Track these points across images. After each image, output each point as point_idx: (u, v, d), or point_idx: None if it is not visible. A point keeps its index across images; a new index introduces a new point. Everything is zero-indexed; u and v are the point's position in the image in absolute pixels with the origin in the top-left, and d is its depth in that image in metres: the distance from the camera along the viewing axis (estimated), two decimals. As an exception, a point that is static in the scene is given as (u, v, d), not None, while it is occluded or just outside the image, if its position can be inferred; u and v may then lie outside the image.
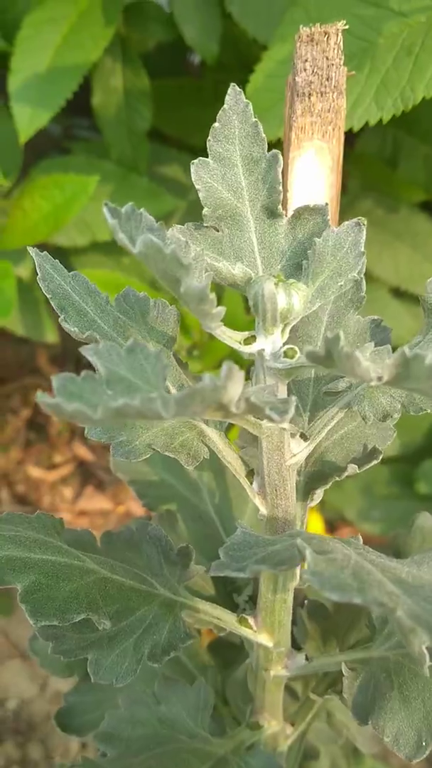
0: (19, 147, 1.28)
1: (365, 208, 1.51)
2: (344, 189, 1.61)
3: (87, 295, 0.58)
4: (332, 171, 0.73)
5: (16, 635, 1.57)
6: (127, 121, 1.36)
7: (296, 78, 0.68)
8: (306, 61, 0.68)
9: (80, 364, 1.97)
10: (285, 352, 0.54)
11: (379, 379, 0.44)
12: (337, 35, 0.68)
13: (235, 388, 0.42)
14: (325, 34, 0.68)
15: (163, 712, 0.68)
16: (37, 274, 0.57)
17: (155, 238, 0.43)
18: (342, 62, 0.68)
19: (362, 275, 0.64)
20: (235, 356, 0.60)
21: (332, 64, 0.68)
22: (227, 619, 0.68)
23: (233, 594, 0.78)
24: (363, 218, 0.54)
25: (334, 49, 0.68)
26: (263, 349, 0.54)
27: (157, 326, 0.60)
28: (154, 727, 0.67)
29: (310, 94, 0.68)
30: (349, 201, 1.53)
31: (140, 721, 0.67)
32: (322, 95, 0.68)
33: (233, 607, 0.73)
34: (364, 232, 0.55)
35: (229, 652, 0.85)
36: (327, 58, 0.68)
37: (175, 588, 0.67)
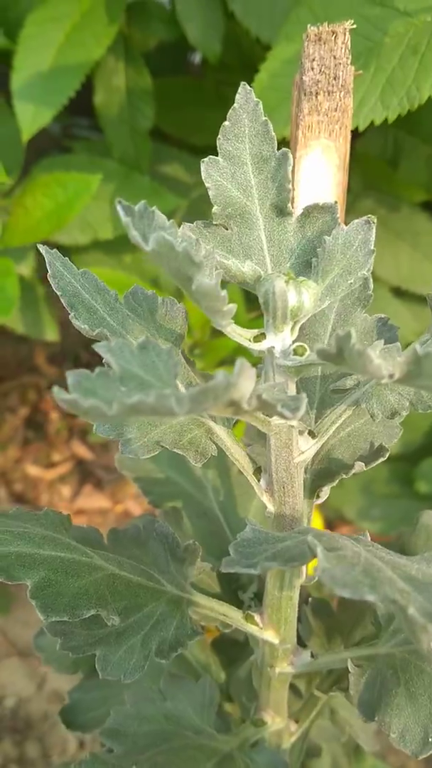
0: (21, 145, 1.28)
1: (367, 207, 1.51)
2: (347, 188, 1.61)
3: (96, 293, 0.58)
4: (339, 169, 0.73)
5: (13, 634, 1.57)
6: (129, 120, 1.37)
7: (304, 77, 0.68)
8: (314, 60, 0.68)
9: (78, 363, 1.97)
10: (295, 350, 0.54)
11: (391, 376, 0.44)
12: (345, 34, 0.68)
13: (247, 385, 0.42)
14: (333, 33, 0.68)
15: (169, 709, 0.69)
16: (47, 272, 0.57)
17: (168, 236, 0.43)
18: (349, 61, 0.69)
19: (370, 273, 0.64)
20: (239, 354, 0.60)
21: (340, 64, 0.68)
22: (233, 616, 0.69)
23: (238, 591, 0.78)
24: (373, 216, 0.54)
25: (341, 48, 0.68)
26: (273, 347, 0.54)
27: (166, 324, 0.60)
28: (160, 724, 0.67)
29: (317, 93, 0.69)
30: (350, 200, 1.52)
31: (146, 717, 0.67)
32: (329, 94, 0.69)
33: (238, 605, 0.73)
34: (374, 231, 0.55)
35: (233, 649, 0.85)
36: (334, 58, 0.68)
37: (182, 585, 0.67)
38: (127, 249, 1.50)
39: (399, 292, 1.52)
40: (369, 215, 0.54)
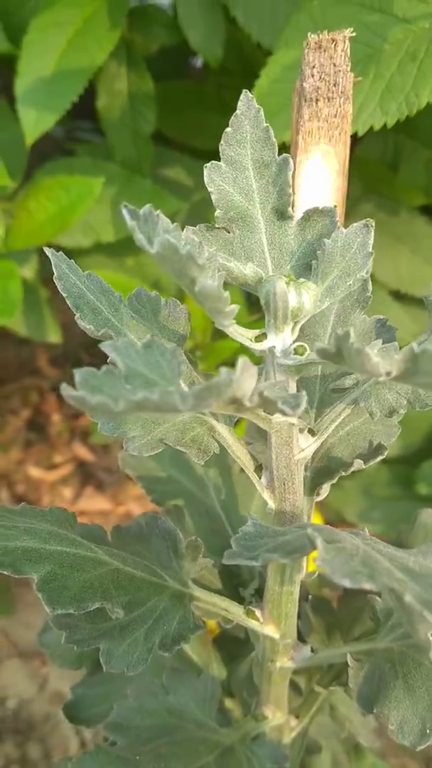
0: (24, 149, 1.30)
1: (366, 211, 1.52)
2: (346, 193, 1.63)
3: (101, 294, 0.59)
4: (339, 174, 0.74)
5: (15, 635, 1.58)
6: (131, 124, 1.38)
7: (304, 84, 0.70)
8: (314, 67, 0.70)
9: (80, 365, 1.97)
10: (295, 350, 0.55)
11: (388, 374, 0.46)
12: (345, 42, 0.69)
13: (249, 382, 0.44)
14: (333, 41, 0.69)
15: (172, 703, 0.70)
16: (50, 274, 0.58)
17: (172, 239, 0.44)
18: (349, 68, 0.70)
19: (369, 275, 0.65)
20: (240, 356, 0.61)
21: (339, 71, 0.70)
22: (235, 611, 0.70)
23: (239, 588, 0.79)
24: (371, 220, 0.56)
25: (341, 55, 0.70)
26: (274, 346, 0.55)
27: (169, 325, 0.61)
28: (162, 717, 0.68)
29: (317, 100, 0.70)
30: (350, 204, 1.54)
31: (149, 711, 0.69)
32: (329, 101, 0.70)
33: (239, 601, 0.75)
34: (372, 234, 0.56)
35: (234, 646, 0.86)
36: (334, 65, 0.70)
37: (184, 580, 0.68)
38: (130, 252, 1.51)
39: (398, 296, 1.53)
40: (367, 219, 0.56)
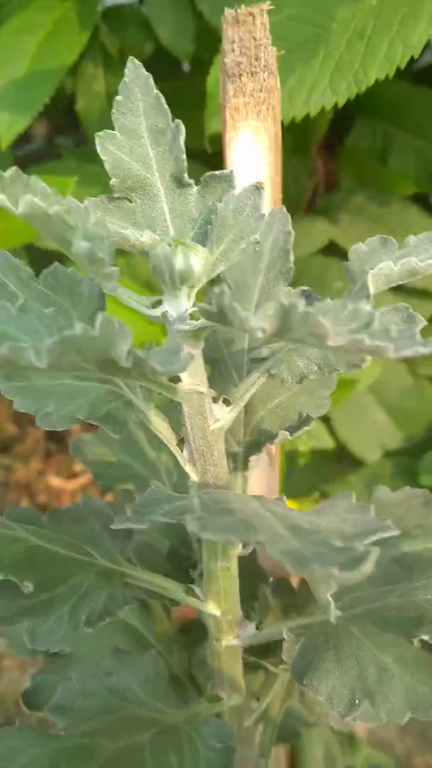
0: (8, 155, 1.31)
1: (358, 203, 1.52)
2: (337, 185, 1.63)
3: (8, 270, 0.59)
4: (270, 150, 0.74)
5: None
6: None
7: (225, 59, 0.70)
8: (233, 42, 0.69)
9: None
10: (191, 315, 0.55)
11: (263, 330, 0.45)
12: (263, 15, 0.69)
13: (121, 342, 0.43)
14: (250, 14, 0.69)
15: (114, 683, 0.69)
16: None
17: (38, 200, 0.44)
18: (270, 42, 0.70)
19: (289, 246, 0.65)
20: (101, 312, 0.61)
21: (260, 45, 0.70)
22: (174, 590, 0.69)
23: (189, 569, 0.79)
24: (261, 182, 0.55)
25: (260, 29, 0.70)
26: (166, 311, 0.55)
27: (84, 301, 0.61)
28: (103, 697, 0.68)
29: (240, 75, 0.70)
30: (342, 197, 1.54)
31: (91, 692, 0.68)
32: (252, 75, 0.70)
33: (190, 582, 0.74)
34: (264, 195, 0.55)
35: (199, 630, 0.86)
36: (254, 39, 0.70)
37: (116, 558, 0.68)
38: (120, 253, 1.51)
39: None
40: (258, 181, 0.55)
